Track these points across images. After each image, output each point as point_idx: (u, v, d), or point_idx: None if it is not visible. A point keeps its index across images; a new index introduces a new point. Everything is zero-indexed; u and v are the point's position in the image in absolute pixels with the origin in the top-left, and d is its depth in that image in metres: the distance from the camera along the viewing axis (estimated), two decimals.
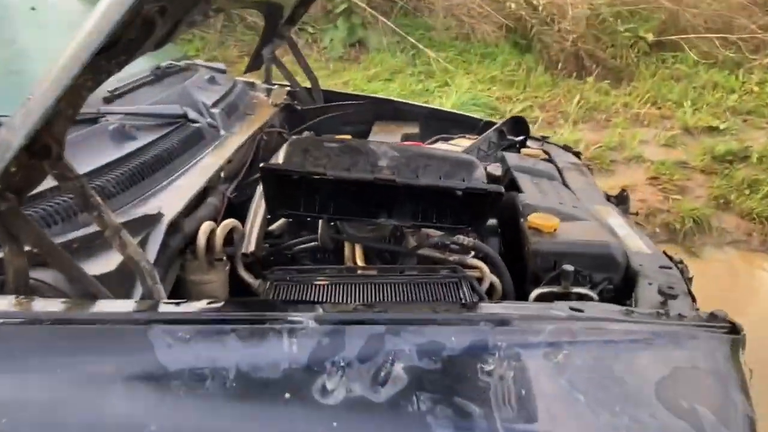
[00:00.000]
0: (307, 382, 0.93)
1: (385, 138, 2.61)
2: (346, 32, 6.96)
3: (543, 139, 2.63)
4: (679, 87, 6.38)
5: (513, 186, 1.89)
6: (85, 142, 1.47)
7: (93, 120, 1.57)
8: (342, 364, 0.96)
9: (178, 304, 1.02)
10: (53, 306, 0.98)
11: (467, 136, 2.60)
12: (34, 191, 1.07)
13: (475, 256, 1.57)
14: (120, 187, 1.40)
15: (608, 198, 2.07)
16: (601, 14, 7.12)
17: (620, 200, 2.08)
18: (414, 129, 2.75)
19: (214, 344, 0.95)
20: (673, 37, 7.21)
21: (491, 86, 6.29)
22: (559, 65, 6.75)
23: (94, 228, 1.14)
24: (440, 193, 1.42)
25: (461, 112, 2.99)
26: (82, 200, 1.01)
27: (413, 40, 6.88)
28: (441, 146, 2.42)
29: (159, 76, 2.03)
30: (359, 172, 1.40)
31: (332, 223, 1.55)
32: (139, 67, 1.96)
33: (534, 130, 5.34)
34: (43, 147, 0.91)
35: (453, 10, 7.04)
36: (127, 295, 1.15)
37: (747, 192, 4.33)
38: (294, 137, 1.62)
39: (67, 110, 0.92)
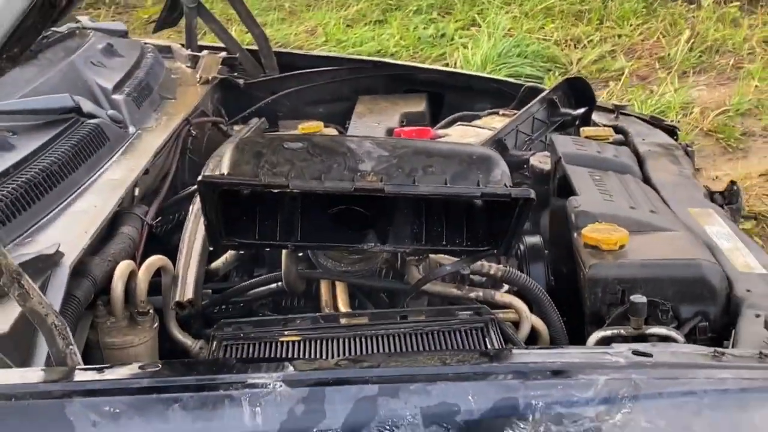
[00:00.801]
0: None
1: (375, 120, 2.89)
2: None
3: (617, 110, 2.91)
4: None
5: (565, 186, 2.15)
6: None
7: None
8: None
9: (100, 370, 1.28)
10: None
11: (502, 111, 2.86)
12: None
13: (509, 291, 1.83)
14: None
15: (712, 196, 2.32)
16: None
17: (729, 198, 2.34)
18: (418, 106, 3.03)
19: (154, 419, 1.22)
20: None
21: (546, 23, 6.58)
22: None
23: None
24: (447, 204, 1.66)
25: (493, 76, 3.21)
26: None
27: None
28: (457, 131, 2.68)
29: (33, 50, 2.30)
30: (334, 180, 1.61)
31: (300, 254, 1.80)
32: None
33: (614, 91, 5.63)
34: None
35: None
36: (24, 364, 1.41)
37: None
38: (239, 134, 1.87)
39: None
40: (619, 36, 6.52)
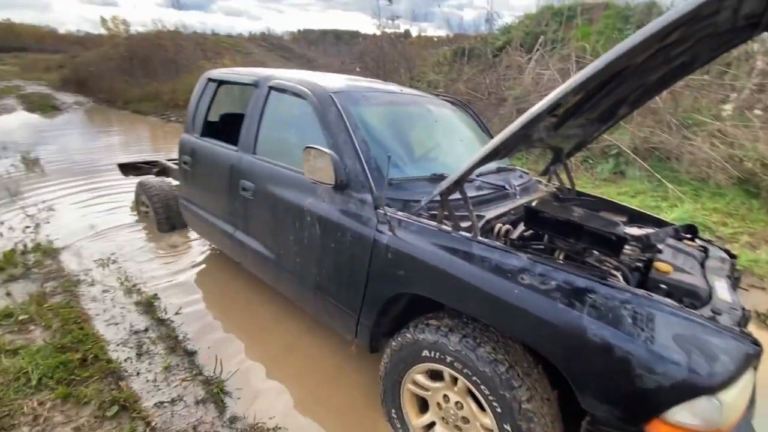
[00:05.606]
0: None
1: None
2: (613, 165, 6.71)
3: (708, 241, 2.50)
4: None
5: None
6: (470, 187, 2.27)
7: (472, 181, 2.37)
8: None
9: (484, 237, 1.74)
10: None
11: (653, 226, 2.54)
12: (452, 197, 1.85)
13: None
14: (477, 205, 2.11)
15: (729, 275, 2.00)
16: None
17: (734, 275, 2.02)
18: (623, 219, 2.74)
19: (484, 254, 1.61)
20: None
21: (712, 213, 5.29)
22: None
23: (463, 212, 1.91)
24: (594, 233, 1.60)
25: (655, 215, 2.75)
26: (464, 201, 1.72)
27: (659, 176, 6.21)
28: (633, 228, 2.44)
29: (498, 170, 2.70)
30: (562, 215, 1.63)
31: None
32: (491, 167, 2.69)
33: (736, 247, 4.52)
34: (461, 181, 1.72)
35: (696, 162, 6.09)
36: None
37: None
38: (540, 199, 2.07)
39: (470, 171, 1.64)
40: (749, 227, 4.91)
